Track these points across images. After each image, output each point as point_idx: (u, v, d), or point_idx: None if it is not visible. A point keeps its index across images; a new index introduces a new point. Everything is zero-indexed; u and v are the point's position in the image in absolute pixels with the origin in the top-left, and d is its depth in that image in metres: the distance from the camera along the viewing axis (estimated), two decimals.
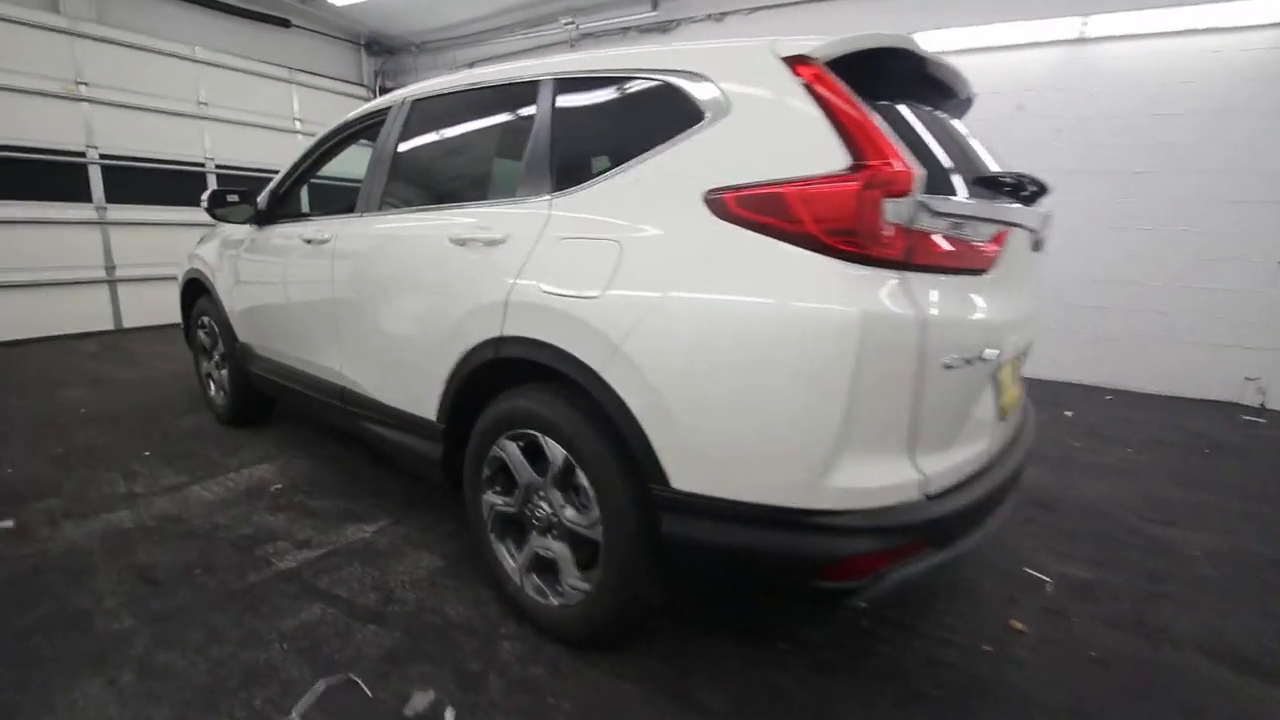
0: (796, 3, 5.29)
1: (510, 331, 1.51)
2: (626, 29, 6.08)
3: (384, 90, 7.74)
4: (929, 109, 1.49)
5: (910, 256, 1.13)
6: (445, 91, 1.97)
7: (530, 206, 1.59)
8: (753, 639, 1.61)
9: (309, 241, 2.26)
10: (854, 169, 1.11)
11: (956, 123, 1.62)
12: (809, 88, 1.18)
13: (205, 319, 3.16)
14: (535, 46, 6.56)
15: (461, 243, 1.69)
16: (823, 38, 1.22)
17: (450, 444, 1.75)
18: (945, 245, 1.19)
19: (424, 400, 1.78)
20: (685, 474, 1.22)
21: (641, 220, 1.33)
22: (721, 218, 1.20)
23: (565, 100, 1.61)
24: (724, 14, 5.59)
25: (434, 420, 1.76)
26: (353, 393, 2.14)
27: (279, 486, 2.46)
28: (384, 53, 7.76)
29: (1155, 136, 4.17)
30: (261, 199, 2.63)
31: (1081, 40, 4.31)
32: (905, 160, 1.11)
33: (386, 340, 1.93)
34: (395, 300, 1.88)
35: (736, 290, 1.15)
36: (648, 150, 1.36)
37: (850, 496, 1.12)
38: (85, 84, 5.25)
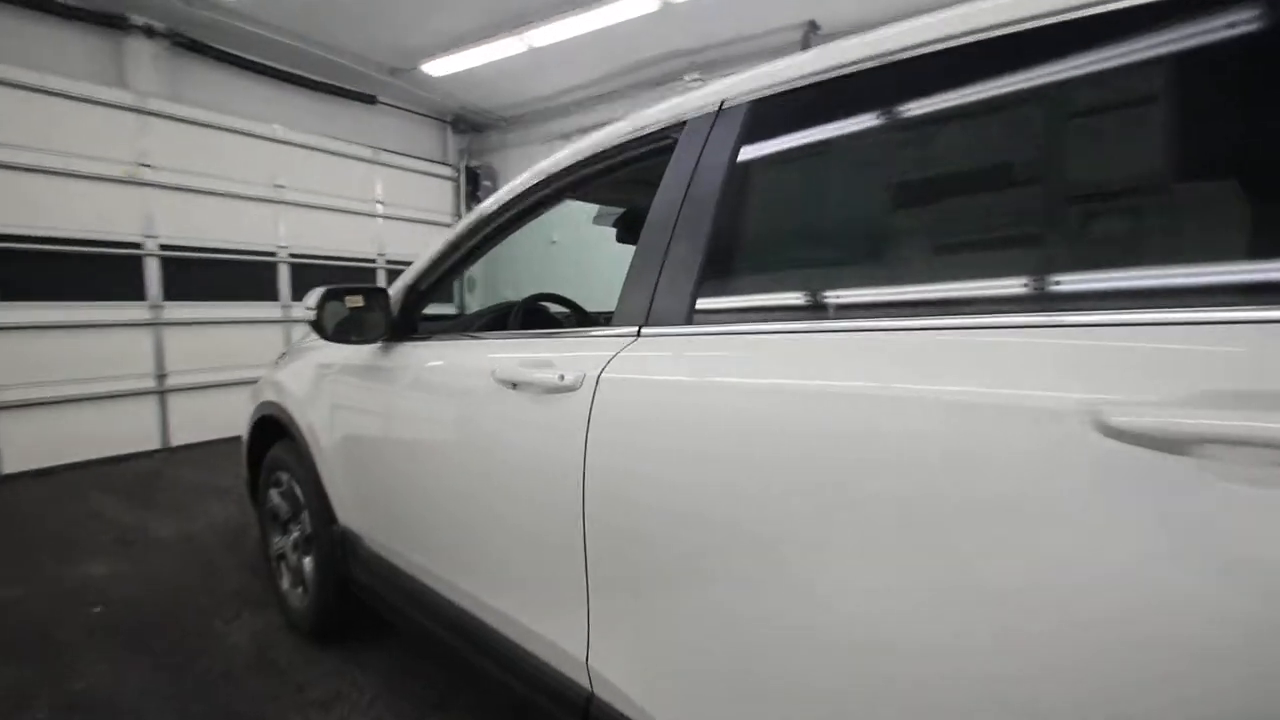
0: None
1: None
2: None
3: (469, 171, 7.04)
4: None
5: None
6: (843, 69, 0.90)
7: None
8: None
9: (511, 385, 1.16)
10: None
11: None
12: None
13: (283, 476, 2.07)
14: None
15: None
16: None
17: None
18: None
19: None
20: None
21: None
22: None
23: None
24: None
25: None
26: (616, 713, 0.98)
27: None
28: (470, 130, 7.11)
29: None
30: (394, 299, 1.58)
31: None
32: None
33: (747, 630, 0.80)
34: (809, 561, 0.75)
35: None
36: None
37: None
38: (149, 166, 4.52)
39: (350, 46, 5.19)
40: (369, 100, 6.12)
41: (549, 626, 1.12)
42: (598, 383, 1.01)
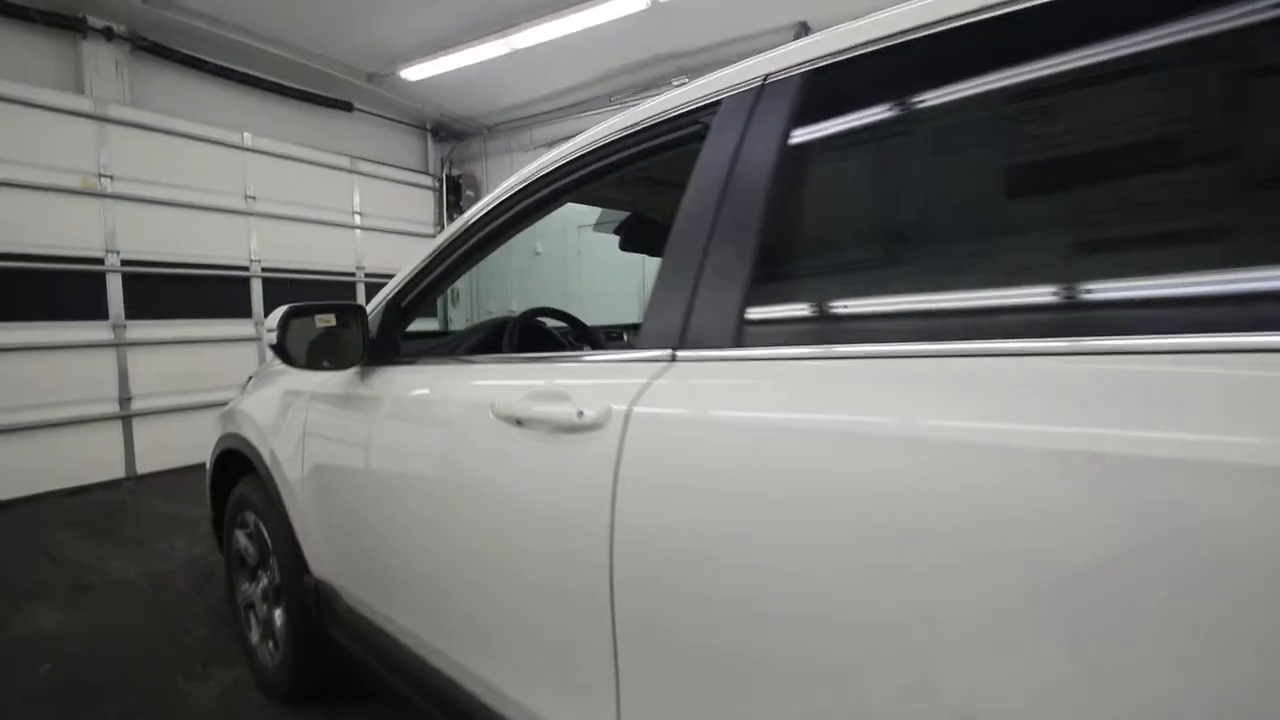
0: None
1: None
2: None
3: (451, 180, 6.83)
4: None
5: None
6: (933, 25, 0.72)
7: None
8: None
9: (514, 422, 0.96)
10: None
11: None
12: None
13: (250, 517, 1.85)
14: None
15: None
16: None
17: None
18: None
19: None
20: None
21: None
22: None
23: None
24: None
25: None
26: None
27: None
28: (451, 138, 6.89)
29: None
30: (373, 317, 1.38)
31: None
32: None
33: None
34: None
35: None
36: None
37: None
38: (110, 177, 4.26)
39: (325, 51, 4.97)
40: (345, 107, 5.89)
41: (567, 716, 0.92)
42: (627, 420, 0.82)
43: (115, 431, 4.38)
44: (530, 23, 4.40)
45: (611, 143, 1.09)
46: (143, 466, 4.50)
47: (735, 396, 0.75)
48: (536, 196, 1.22)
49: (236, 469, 1.90)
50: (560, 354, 1.07)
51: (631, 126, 1.06)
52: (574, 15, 4.29)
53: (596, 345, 1.87)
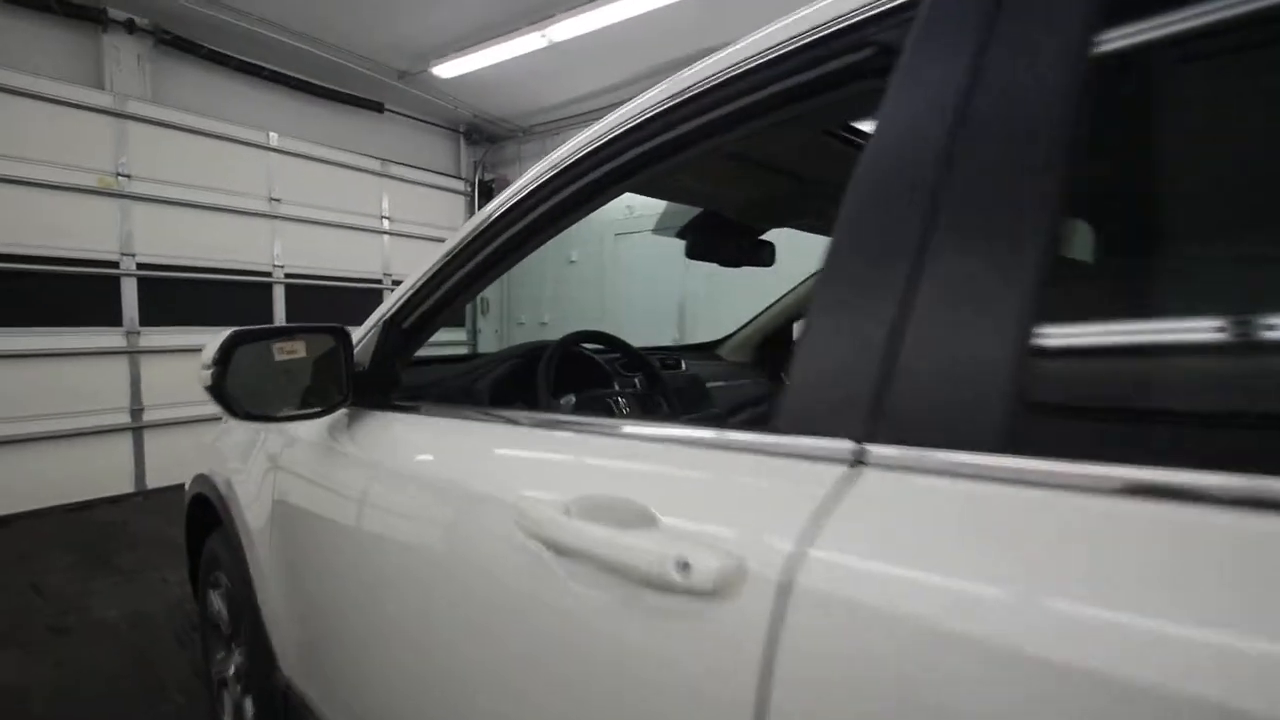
0: None
1: None
2: None
3: (484, 184, 6.55)
4: None
5: None
6: None
7: None
8: None
9: (552, 549, 0.57)
10: None
11: None
12: None
13: (222, 577, 1.51)
14: None
15: None
16: None
17: None
18: None
19: None
20: None
21: None
22: None
23: None
24: None
25: None
26: None
27: None
28: (484, 141, 6.63)
29: None
30: (363, 343, 1.02)
31: None
32: None
33: None
34: None
35: None
36: None
37: None
38: (128, 175, 4.05)
39: (355, 47, 4.72)
40: (376, 108, 5.65)
41: None
42: (786, 594, 0.43)
43: (125, 443, 4.15)
44: (568, 12, 4.08)
45: (691, 99, 0.71)
46: (153, 481, 4.25)
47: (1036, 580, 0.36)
48: (582, 183, 0.85)
49: (210, 518, 1.56)
50: (629, 422, 0.68)
51: (725, 72, 0.68)
52: (615, 4, 3.96)
53: (652, 378, 1.48)
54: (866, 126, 0.86)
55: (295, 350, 0.89)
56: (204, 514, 1.61)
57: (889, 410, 0.44)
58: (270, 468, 1.20)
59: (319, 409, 0.93)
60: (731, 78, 0.68)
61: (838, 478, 0.45)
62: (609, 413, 1.26)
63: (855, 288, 0.49)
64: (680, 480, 0.57)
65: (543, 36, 4.33)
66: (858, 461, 0.45)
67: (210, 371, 0.83)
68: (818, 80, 0.61)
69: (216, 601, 1.59)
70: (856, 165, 0.53)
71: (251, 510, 1.25)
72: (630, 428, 0.68)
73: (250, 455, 1.30)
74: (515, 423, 0.81)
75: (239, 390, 0.85)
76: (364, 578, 0.92)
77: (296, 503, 1.09)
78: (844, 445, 0.46)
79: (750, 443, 0.53)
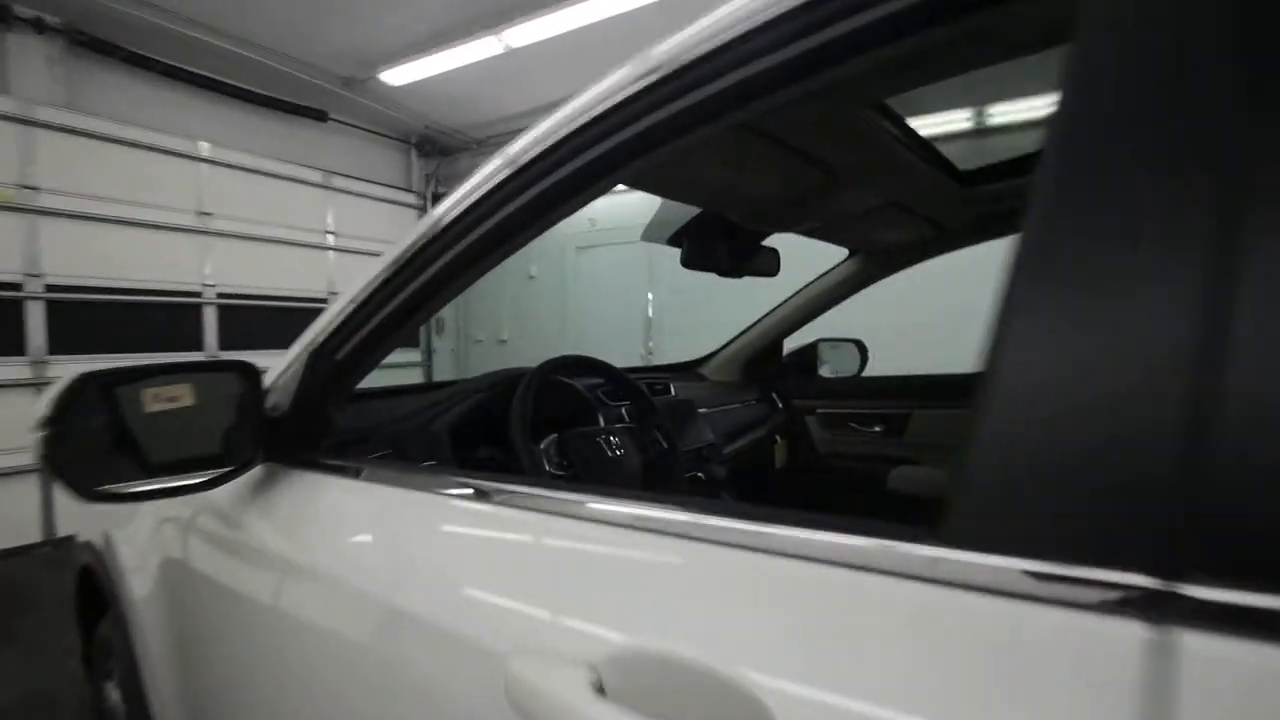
0: None
1: None
2: None
3: (436, 198, 6.26)
4: None
5: None
6: None
7: None
8: None
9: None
10: None
11: None
12: None
13: (114, 667, 1.22)
14: None
15: None
16: None
17: None
18: None
19: None
20: None
21: None
22: None
23: None
24: None
25: None
26: None
27: None
28: (437, 153, 6.34)
29: None
30: (281, 381, 0.77)
31: None
32: None
33: None
34: None
35: None
36: None
37: None
38: (34, 188, 3.64)
39: (294, 50, 4.40)
40: (319, 116, 5.32)
41: None
42: None
43: (31, 487, 3.69)
44: (526, 16, 3.87)
45: (705, 58, 0.51)
46: (65, 527, 3.79)
47: None
48: (561, 174, 0.64)
49: (99, 597, 1.26)
50: (674, 504, 0.44)
51: (751, 18, 0.48)
52: (575, 8, 3.77)
53: (643, 408, 1.26)
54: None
55: (177, 397, 0.64)
56: (91, 591, 1.32)
57: (1216, 511, 0.24)
58: (165, 537, 0.94)
59: (211, 477, 0.67)
60: (759, 26, 0.47)
61: (1131, 658, 0.24)
62: (601, 456, 1.03)
63: (1127, 297, 0.28)
64: (782, 624, 0.35)
65: (499, 41, 4.11)
66: (1163, 620, 0.24)
67: (48, 427, 0.57)
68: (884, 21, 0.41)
69: (114, 697, 1.30)
70: (1051, 119, 0.32)
71: (144, 591, 0.97)
72: (678, 514, 0.44)
73: (142, 521, 1.02)
74: (491, 497, 0.58)
75: (88, 457, 0.59)
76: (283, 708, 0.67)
77: (196, 592, 0.83)
78: (1132, 581, 0.25)
79: (905, 559, 0.32)
